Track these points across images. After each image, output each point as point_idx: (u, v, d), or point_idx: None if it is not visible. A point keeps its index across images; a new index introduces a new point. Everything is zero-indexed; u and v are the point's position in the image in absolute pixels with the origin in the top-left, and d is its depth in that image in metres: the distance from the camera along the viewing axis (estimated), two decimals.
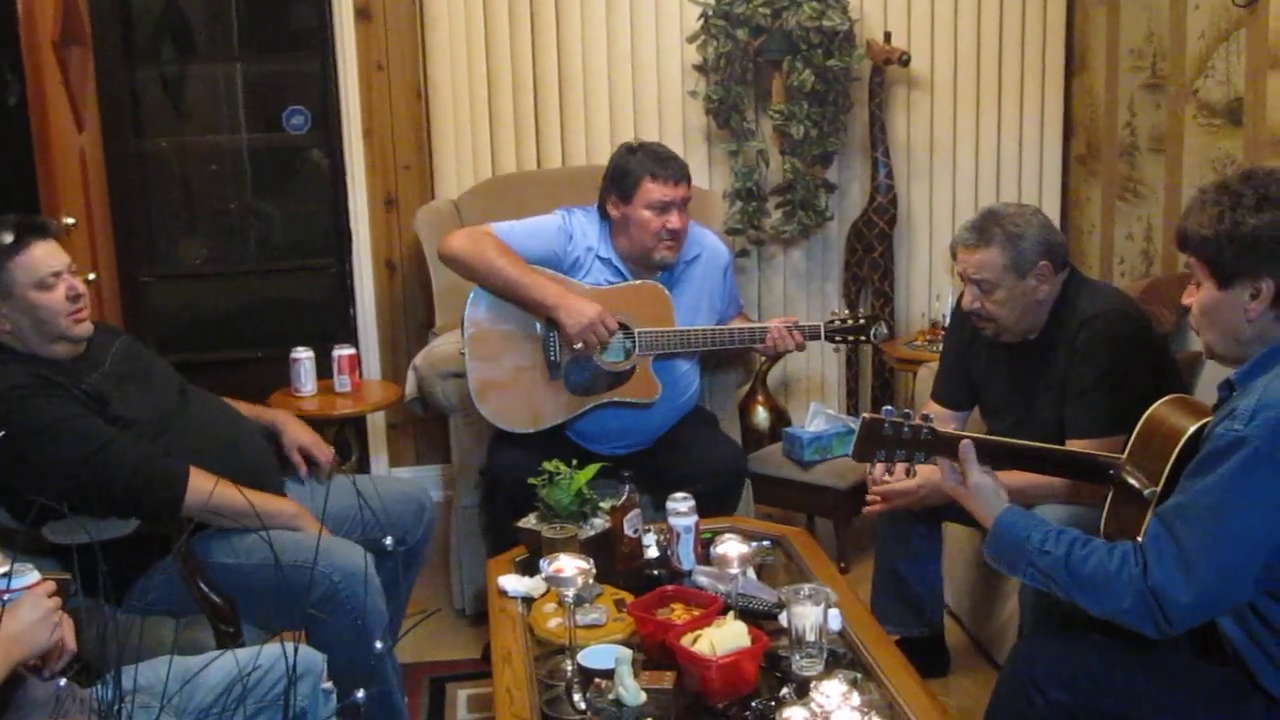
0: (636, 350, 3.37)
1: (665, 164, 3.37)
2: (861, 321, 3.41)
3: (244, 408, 3.16)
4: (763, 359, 4.15)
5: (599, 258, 3.43)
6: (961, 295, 3.01)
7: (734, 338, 3.43)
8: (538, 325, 3.37)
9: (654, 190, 3.33)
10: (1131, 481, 2.26)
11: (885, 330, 3.50)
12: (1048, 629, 2.49)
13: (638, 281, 3.42)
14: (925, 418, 2.37)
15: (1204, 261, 2.08)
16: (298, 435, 3.12)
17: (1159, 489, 2.19)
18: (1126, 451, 2.32)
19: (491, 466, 3.40)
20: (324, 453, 3.12)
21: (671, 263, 3.43)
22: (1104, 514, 2.35)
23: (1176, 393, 2.41)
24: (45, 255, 2.63)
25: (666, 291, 3.42)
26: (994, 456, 2.36)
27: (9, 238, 2.59)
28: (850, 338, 3.43)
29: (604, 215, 3.46)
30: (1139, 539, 2.11)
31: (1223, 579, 1.97)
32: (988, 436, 2.64)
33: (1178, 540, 1.99)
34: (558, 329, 3.33)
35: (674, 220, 3.35)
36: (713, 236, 3.66)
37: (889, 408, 2.37)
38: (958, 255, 2.93)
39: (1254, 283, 2.03)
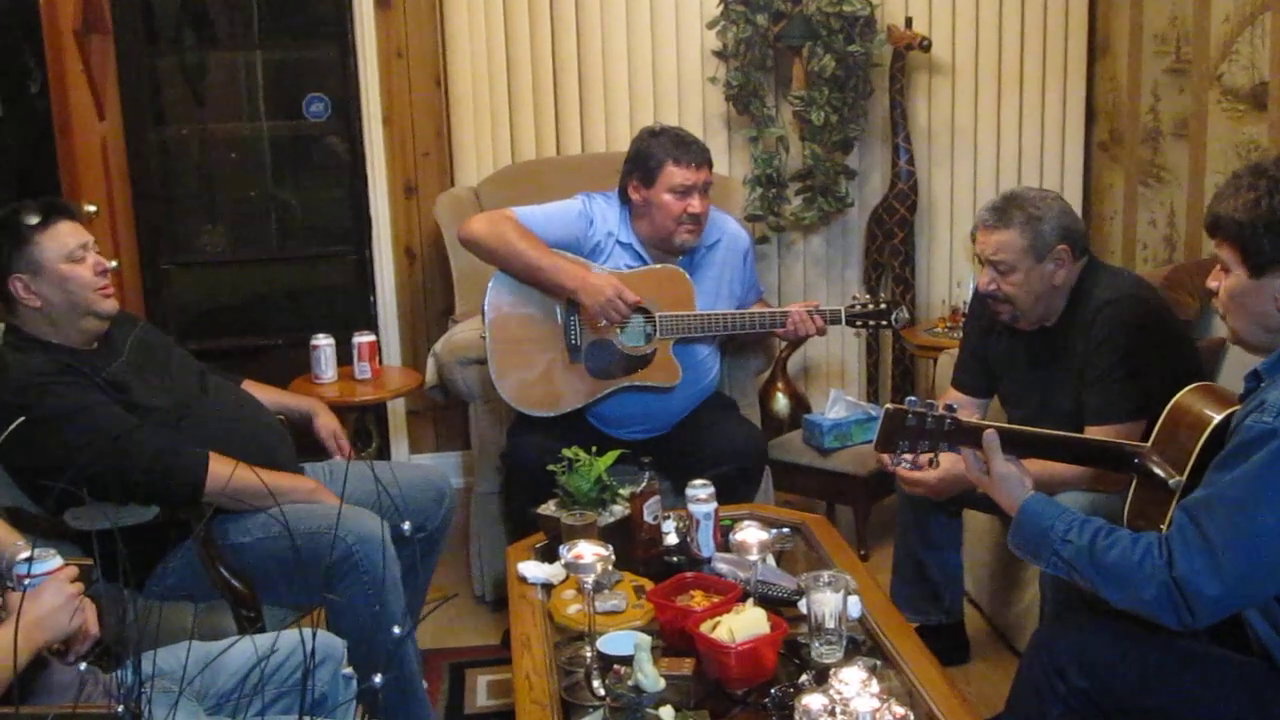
0: (657, 334, 3.37)
1: (688, 148, 3.37)
2: (883, 306, 3.41)
3: (275, 394, 3.19)
4: (783, 344, 4.15)
5: (619, 242, 3.43)
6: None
7: (754, 322, 3.43)
8: (558, 309, 3.37)
9: (676, 174, 3.33)
10: (1156, 470, 2.23)
11: (906, 314, 3.49)
12: (1069, 615, 2.47)
13: (658, 266, 3.42)
14: (949, 407, 2.36)
15: (1236, 248, 2.04)
16: (330, 423, 3.19)
17: (1184, 479, 2.17)
18: (1151, 440, 2.30)
19: (511, 451, 3.40)
20: (345, 446, 3.19)
21: (693, 247, 3.43)
22: (1127, 502, 2.32)
23: (1197, 380, 2.38)
24: (71, 230, 2.68)
25: (687, 275, 3.41)
26: (1017, 445, 2.34)
27: (36, 218, 2.64)
28: (871, 322, 3.42)
29: (624, 200, 3.45)
30: (1163, 529, 2.09)
31: (1249, 573, 1.94)
32: (1011, 425, 2.63)
33: (1204, 533, 1.96)
34: (579, 311, 3.33)
35: (695, 204, 3.35)
36: (733, 222, 3.65)
37: (912, 398, 2.35)
38: (977, 236, 2.93)
39: None
